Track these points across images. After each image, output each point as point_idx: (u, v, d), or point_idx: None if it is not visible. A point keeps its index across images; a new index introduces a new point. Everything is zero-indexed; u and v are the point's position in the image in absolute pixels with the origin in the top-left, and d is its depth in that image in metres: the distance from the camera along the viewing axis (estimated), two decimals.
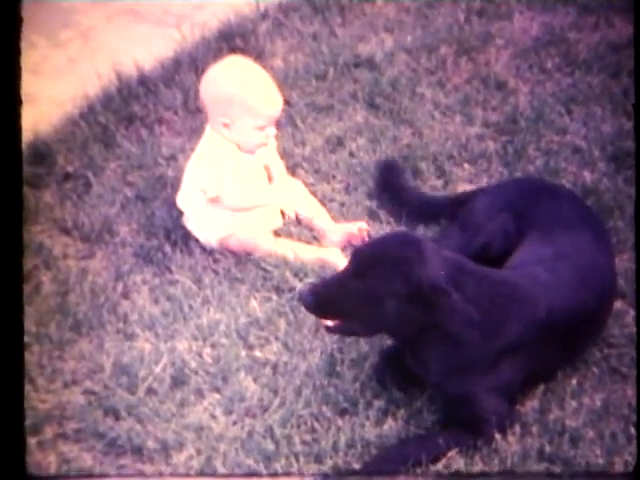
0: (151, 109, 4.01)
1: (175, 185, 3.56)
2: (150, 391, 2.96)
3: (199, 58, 4.22)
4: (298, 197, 3.56)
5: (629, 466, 2.73)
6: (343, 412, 2.88)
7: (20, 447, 2.62)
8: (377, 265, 2.73)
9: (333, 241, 3.46)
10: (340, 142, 3.86)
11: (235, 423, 2.87)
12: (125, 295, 3.28)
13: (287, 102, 3.45)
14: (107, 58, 4.24)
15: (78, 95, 4.05)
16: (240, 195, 3.39)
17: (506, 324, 2.81)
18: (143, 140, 3.87)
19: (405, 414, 2.87)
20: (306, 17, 4.53)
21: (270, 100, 3.38)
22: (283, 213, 3.54)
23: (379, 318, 2.75)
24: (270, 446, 2.79)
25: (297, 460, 2.75)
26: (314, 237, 3.50)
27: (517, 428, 2.81)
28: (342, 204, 3.61)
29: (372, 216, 3.55)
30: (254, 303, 3.23)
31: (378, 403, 2.89)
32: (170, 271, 3.34)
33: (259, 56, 4.06)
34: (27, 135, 3.67)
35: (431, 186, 3.67)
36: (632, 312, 3.12)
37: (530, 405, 2.89)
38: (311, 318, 3.10)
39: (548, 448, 2.77)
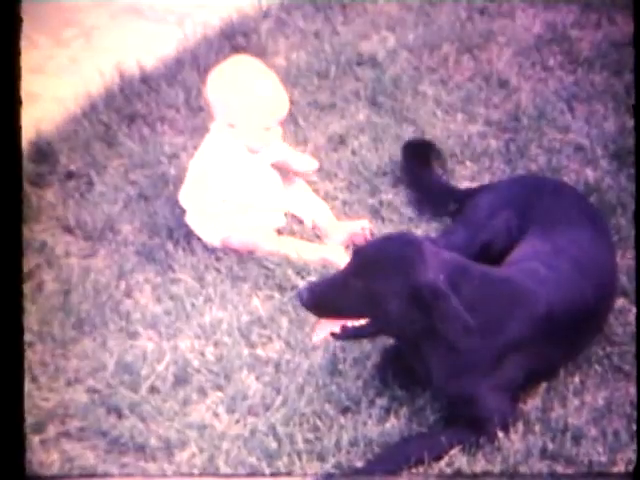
0: (153, 107, 4.02)
1: (177, 183, 3.57)
2: (153, 389, 2.96)
3: (201, 56, 4.23)
4: (301, 195, 3.56)
5: (631, 464, 2.73)
6: (346, 410, 2.88)
7: (20, 447, 2.62)
8: (377, 265, 2.73)
9: (335, 239, 3.46)
10: (342, 140, 3.86)
11: (238, 421, 2.88)
12: (128, 294, 3.28)
13: (289, 100, 3.44)
14: (109, 57, 4.25)
15: (80, 94, 4.06)
16: (246, 194, 3.39)
17: (506, 322, 2.81)
18: (145, 138, 3.88)
19: (407, 412, 2.87)
20: (308, 15, 4.53)
21: (277, 101, 3.38)
22: (286, 212, 3.55)
23: (380, 318, 2.75)
24: (273, 444, 2.79)
25: (300, 458, 2.76)
26: (316, 235, 3.50)
27: (520, 426, 2.81)
28: (344, 202, 3.61)
29: (374, 214, 3.55)
30: (256, 301, 3.23)
31: (380, 401, 2.89)
32: (172, 270, 3.35)
33: (261, 54, 4.05)
34: (29, 134, 3.69)
35: None
36: (634, 310, 3.11)
37: (532, 403, 2.89)
38: (313, 317, 3.09)
39: (551, 446, 2.76)
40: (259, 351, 3.07)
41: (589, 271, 2.98)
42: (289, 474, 2.74)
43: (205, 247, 3.42)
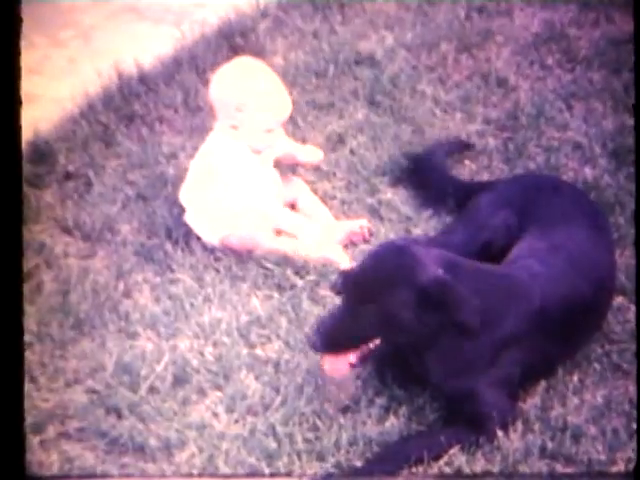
0: (151, 107, 4.01)
1: (176, 183, 3.57)
2: (152, 390, 2.96)
3: (199, 56, 4.23)
4: (299, 194, 3.56)
5: (631, 462, 2.73)
6: (345, 410, 2.88)
7: (20, 447, 2.62)
8: (380, 283, 2.74)
9: (334, 239, 3.45)
10: (341, 140, 3.86)
11: (237, 421, 2.87)
12: (126, 294, 3.28)
13: None
14: (107, 57, 4.25)
15: (79, 94, 4.06)
16: (247, 194, 3.39)
17: (502, 317, 2.82)
18: (144, 138, 3.88)
19: (407, 411, 2.87)
20: (306, 15, 4.54)
21: (280, 104, 3.38)
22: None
23: (394, 332, 2.76)
24: (272, 444, 2.79)
25: (299, 458, 2.75)
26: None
27: (519, 425, 2.81)
28: (343, 202, 3.61)
29: (373, 214, 3.55)
30: (255, 301, 3.23)
31: (380, 401, 2.89)
32: (171, 270, 3.34)
33: (259, 54, 4.05)
34: (28, 134, 3.68)
35: None
36: (633, 308, 3.12)
37: (532, 402, 2.89)
38: (312, 316, 3.10)
39: (550, 445, 2.76)
40: (258, 351, 3.07)
41: (586, 268, 2.98)
42: (289, 474, 2.74)
43: (204, 247, 3.42)
